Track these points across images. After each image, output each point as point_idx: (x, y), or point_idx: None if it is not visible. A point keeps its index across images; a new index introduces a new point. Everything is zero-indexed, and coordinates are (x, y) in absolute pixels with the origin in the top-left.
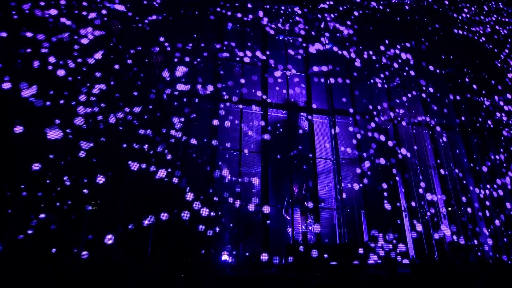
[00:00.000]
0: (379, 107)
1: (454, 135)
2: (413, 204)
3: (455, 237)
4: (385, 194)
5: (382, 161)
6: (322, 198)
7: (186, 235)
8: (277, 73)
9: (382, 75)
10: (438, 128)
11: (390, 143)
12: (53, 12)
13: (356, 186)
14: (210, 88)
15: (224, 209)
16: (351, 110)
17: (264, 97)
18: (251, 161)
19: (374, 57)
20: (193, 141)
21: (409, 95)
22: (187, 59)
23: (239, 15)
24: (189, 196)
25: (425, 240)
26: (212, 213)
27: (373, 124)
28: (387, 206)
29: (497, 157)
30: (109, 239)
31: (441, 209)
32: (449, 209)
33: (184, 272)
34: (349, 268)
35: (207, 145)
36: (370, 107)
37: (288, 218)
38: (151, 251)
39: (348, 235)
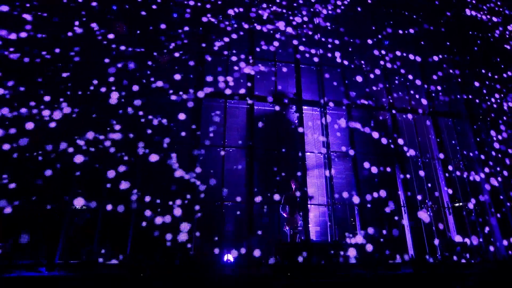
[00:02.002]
0: (376, 96)
1: (461, 123)
2: (415, 198)
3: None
4: (382, 188)
5: (378, 153)
6: (313, 194)
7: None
8: (264, 65)
9: (381, 62)
10: (442, 116)
11: (388, 135)
12: None
13: (349, 181)
14: (191, 81)
15: (207, 207)
16: (344, 101)
17: (250, 85)
18: (237, 157)
19: (370, 41)
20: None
21: (410, 79)
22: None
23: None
24: (169, 194)
25: (426, 237)
26: (196, 212)
27: (369, 114)
28: (384, 201)
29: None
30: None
31: (445, 203)
32: (458, 204)
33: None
34: (332, 267)
35: (189, 141)
36: (367, 98)
37: (285, 215)
38: (130, 250)
39: (340, 233)
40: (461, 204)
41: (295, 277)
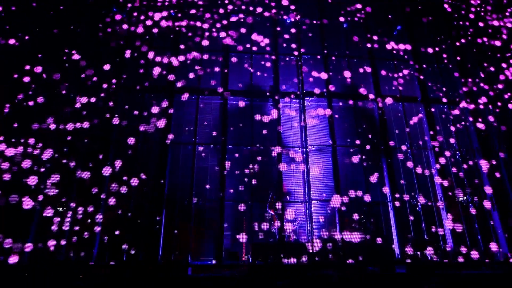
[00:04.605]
0: (362, 84)
1: (460, 110)
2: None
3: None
4: (367, 183)
5: (363, 146)
6: (293, 191)
7: (137, 233)
8: (240, 57)
9: (368, 45)
10: (436, 103)
11: (374, 125)
12: None
13: (330, 176)
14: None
15: (178, 206)
16: (324, 91)
17: (224, 79)
18: (210, 154)
19: (349, 20)
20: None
21: (401, 68)
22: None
23: None
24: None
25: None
26: (166, 211)
27: (353, 104)
28: (367, 197)
29: None
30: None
31: (439, 199)
32: (462, 198)
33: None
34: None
35: (160, 139)
36: (351, 88)
37: (273, 213)
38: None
39: (321, 231)
40: (462, 198)
41: (268, 277)
